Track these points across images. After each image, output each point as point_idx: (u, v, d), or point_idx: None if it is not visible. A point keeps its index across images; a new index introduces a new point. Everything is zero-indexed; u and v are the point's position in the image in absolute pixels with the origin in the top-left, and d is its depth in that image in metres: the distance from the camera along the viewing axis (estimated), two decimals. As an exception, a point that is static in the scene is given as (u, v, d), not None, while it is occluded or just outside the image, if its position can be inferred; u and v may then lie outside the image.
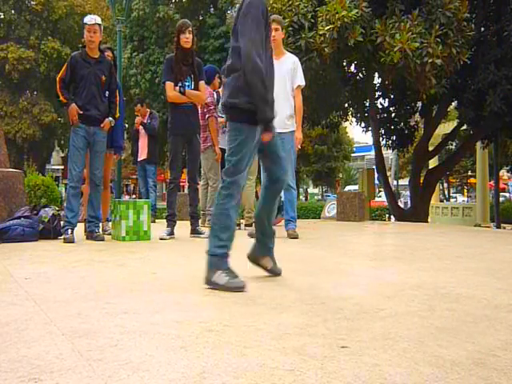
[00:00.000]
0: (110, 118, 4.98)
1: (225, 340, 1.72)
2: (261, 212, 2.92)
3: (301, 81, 5.25)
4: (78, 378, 1.37)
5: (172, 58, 5.12)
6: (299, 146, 5.32)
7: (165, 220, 5.43)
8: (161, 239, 5.00)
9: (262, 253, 2.92)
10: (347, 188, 37.76)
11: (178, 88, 5.05)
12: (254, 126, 2.69)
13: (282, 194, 5.43)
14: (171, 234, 5.15)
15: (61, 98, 4.84)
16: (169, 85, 5.05)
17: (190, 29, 5.06)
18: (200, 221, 7.01)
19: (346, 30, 7.54)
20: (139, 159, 8.19)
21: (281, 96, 4.65)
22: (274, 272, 2.96)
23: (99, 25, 4.91)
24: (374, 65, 8.45)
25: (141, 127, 8.19)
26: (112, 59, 5.39)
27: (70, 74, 4.83)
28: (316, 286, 2.73)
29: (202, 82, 5.15)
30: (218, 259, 2.59)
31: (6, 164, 5.68)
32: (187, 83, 5.08)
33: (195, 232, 5.30)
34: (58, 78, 4.87)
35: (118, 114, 5.16)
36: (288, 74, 5.15)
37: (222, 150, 6.56)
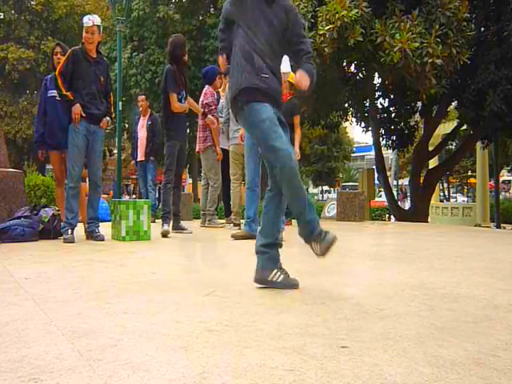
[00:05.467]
0: (108, 118, 5.02)
1: (225, 340, 1.72)
2: None
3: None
4: (78, 377, 1.37)
5: (175, 70, 5.51)
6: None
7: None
8: (163, 236, 5.18)
9: None
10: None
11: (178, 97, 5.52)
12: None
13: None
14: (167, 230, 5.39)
15: (64, 92, 4.75)
16: (174, 97, 5.46)
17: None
18: (200, 221, 7.06)
19: (346, 30, 7.55)
20: (138, 159, 8.14)
21: None
22: None
23: (98, 26, 4.88)
24: (374, 65, 8.46)
25: (139, 129, 8.12)
26: None
27: (72, 68, 4.76)
28: (316, 285, 2.73)
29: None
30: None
31: (6, 164, 5.68)
32: (183, 93, 5.60)
33: (178, 228, 5.77)
34: (57, 73, 4.81)
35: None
36: None
37: (223, 150, 6.56)
